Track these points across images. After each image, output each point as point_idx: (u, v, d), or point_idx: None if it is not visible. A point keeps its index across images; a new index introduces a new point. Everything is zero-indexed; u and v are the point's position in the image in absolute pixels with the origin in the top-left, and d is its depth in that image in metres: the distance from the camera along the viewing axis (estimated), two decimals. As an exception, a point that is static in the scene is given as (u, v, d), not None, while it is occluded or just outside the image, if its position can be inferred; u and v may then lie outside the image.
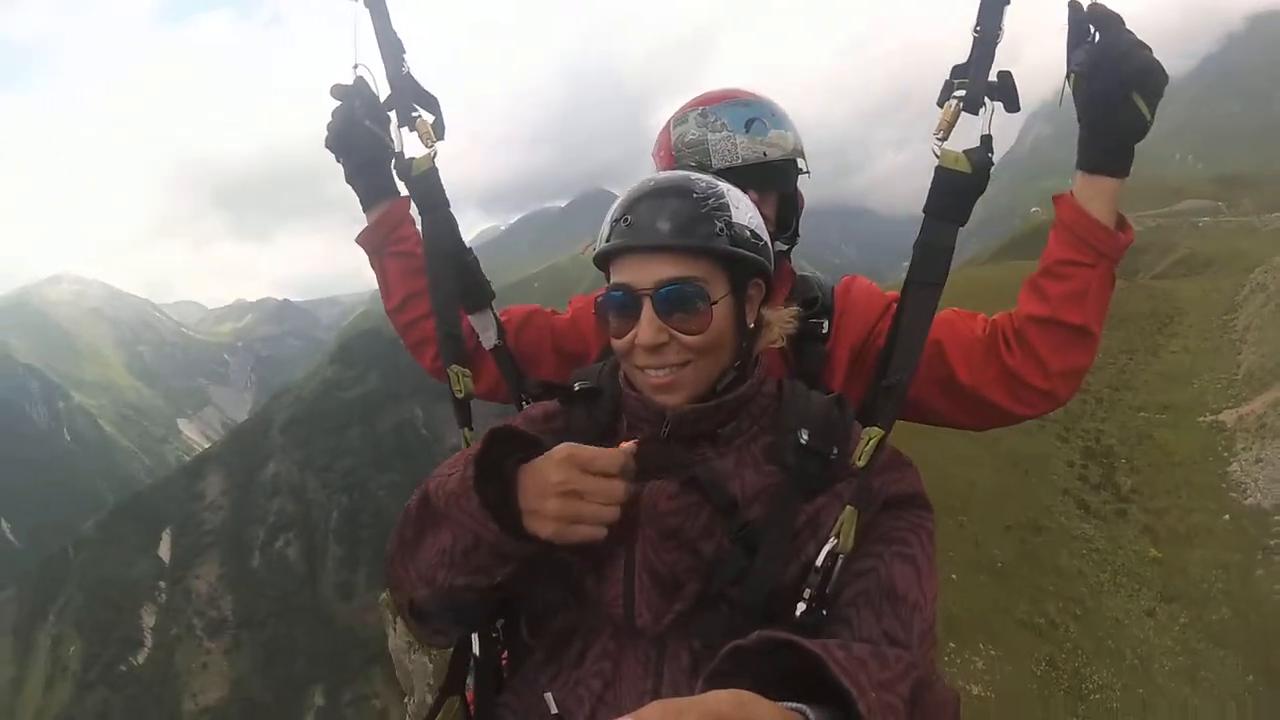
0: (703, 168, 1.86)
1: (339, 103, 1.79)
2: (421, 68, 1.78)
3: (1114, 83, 1.47)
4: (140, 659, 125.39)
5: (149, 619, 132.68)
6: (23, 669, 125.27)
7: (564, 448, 1.24)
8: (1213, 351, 21.46)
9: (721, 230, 1.29)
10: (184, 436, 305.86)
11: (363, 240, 1.97)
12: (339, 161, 1.85)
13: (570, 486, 1.20)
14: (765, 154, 1.88)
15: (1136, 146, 1.58)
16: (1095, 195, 1.58)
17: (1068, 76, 1.54)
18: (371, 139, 1.77)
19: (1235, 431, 18.41)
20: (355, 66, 1.72)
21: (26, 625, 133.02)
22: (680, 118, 1.98)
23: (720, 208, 1.30)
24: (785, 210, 1.97)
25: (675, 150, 1.96)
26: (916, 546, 1.26)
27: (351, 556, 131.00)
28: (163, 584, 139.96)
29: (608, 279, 1.37)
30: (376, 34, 1.71)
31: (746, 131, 1.90)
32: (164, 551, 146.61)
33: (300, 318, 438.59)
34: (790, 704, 0.81)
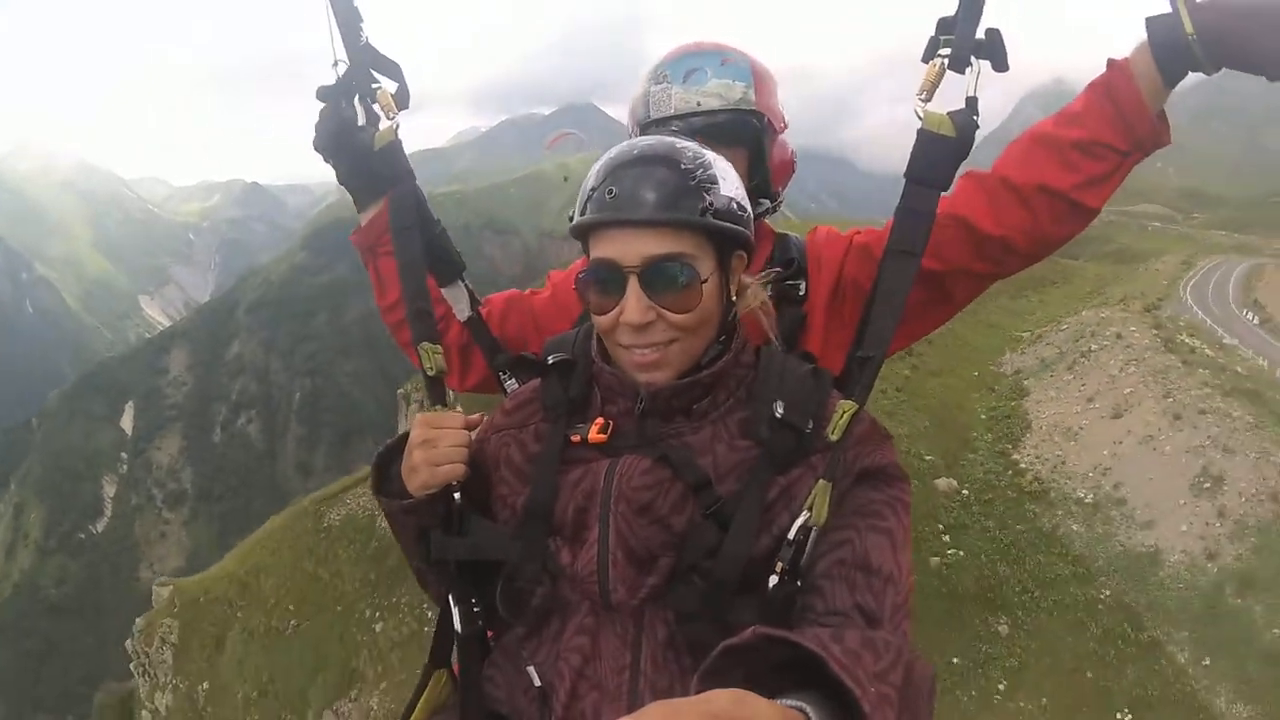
0: (639, 121, 1.87)
1: (324, 104, 1.70)
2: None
3: None
4: (100, 528, 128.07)
5: (109, 489, 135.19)
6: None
7: (416, 416, 1.45)
8: (1062, 305, 26.42)
9: (709, 204, 1.25)
10: (145, 314, 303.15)
11: (357, 239, 1.93)
12: (328, 163, 1.77)
13: (423, 438, 1.40)
14: (699, 104, 1.79)
15: None
16: (1151, 86, 1.45)
17: None
18: (362, 139, 1.70)
19: (1025, 342, 24.08)
20: (335, 64, 1.65)
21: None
22: (647, 73, 1.91)
23: (707, 179, 1.26)
24: (752, 169, 1.85)
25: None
26: (892, 520, 1.25)
27: (312, 436, 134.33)
28: (124, 455, 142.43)
29: (585, 251, 1.33)
30: (331, 5, 1.62)
31: (684, 82, 1.81)
32: (126, 423, 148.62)
33: (268, 202, 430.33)
34: (790, 702, 0.80)
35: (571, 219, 1.34)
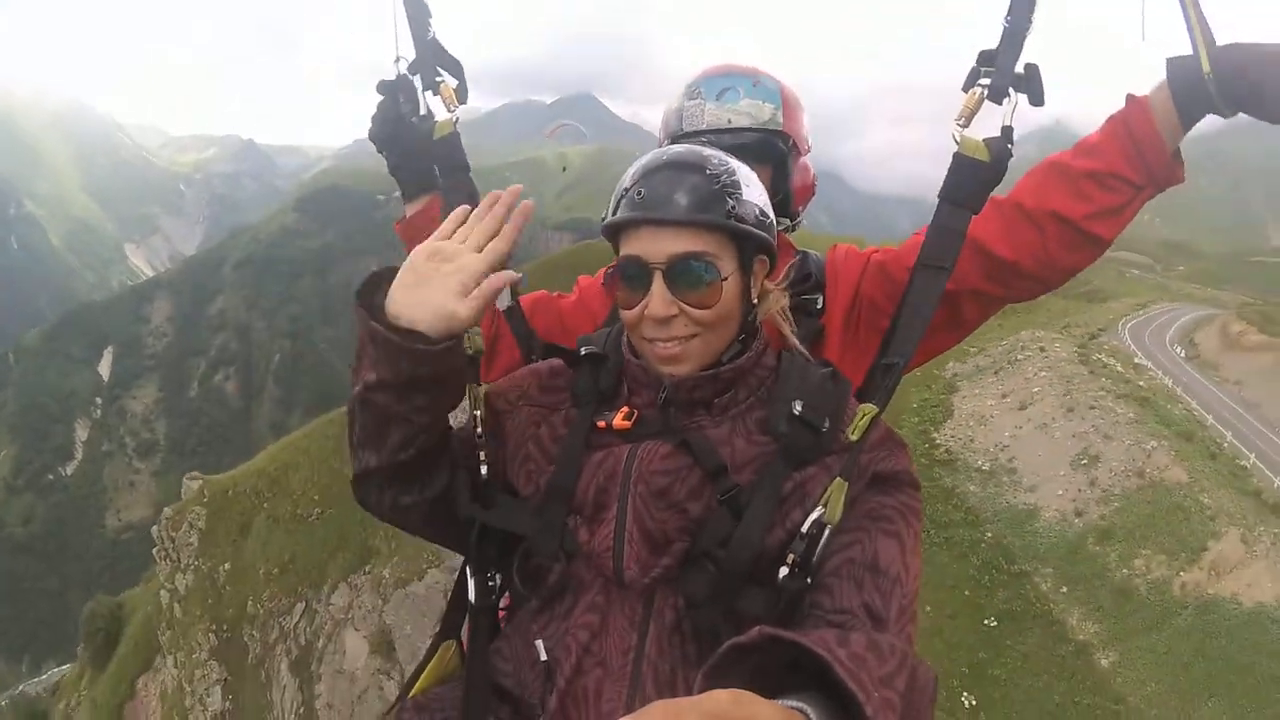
0: (671, 133, 1.94)
1: (383, 97, 1.81)
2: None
3: None
4: (69, 470, 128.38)
5: (82, 432, 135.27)
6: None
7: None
8: (1015, 329, 30.03)
9: (733, 208, 1.30)
10: (130, 262, 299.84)
11: (403, 230, 1.97)
12: (381, 153, 1.86)
13: (434, 249, 1.27)
14: (730, 121, 1.88)
15: None
16: (1168, 124, 1.48)
17: None
18: (415, 134, 1.79)
19: (970, 354, 27.92)
20: (396, 60, 1.74)
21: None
22: (681, 89, 1.99)
23: (732, 185, 1.31)
24: (774, 188, 1.90)
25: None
26: (902, 524, 1.28)
27: (288, 399, 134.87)
28: (99, 400, 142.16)
29: (615, 251, 1.38)
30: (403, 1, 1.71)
31: (717, 100, 1.90)
32: (104, 368, 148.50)
33: (261, 160, 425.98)
34: (791, 702, 0.79)
35: (604, 219, 1.40)
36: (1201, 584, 16.52)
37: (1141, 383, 26.08)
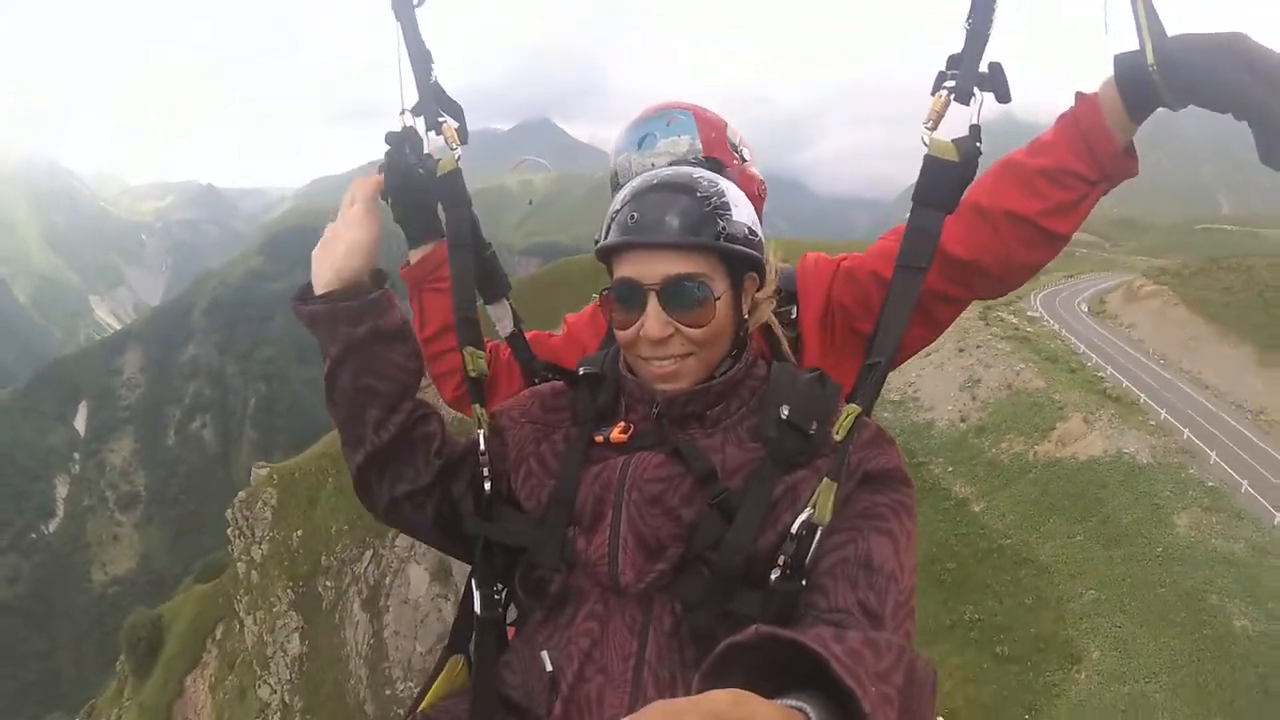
0: (616, 188, 1.99)
1: (390, 147, 1.84)
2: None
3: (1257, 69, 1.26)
4: (51, 528, 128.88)
5: (62, 489, 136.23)
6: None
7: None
8: None
9: (723, 229, 1.34)
10: (95, 315, 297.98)
11: (407, 273, 2.07)
12: (386, 202, 1.86)
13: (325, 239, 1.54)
14: (653, 165, 1.94)
15: None
16: (1117, 118, 1.46)
17: None
18: (420, 184, 1.81)
19: None
20: (402, 113, 1.78)
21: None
22: (615, 145, 2.12)
23: (722, 206, 1.35)
24: None
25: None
26: (894, 522, 1.28)
27: (266, 442, 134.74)
28: (77, 455, 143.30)
29: (609, 273, 1.42)
30: (407, 46, 1.75)
31: (639, 149, 2.02)
32: (80, 423, 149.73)
33: (221, 205, 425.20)
34: (790, 701, 0.79)
35: (597, 242, 1.45)
36: (1050, 452, 23.32)
37: (1029, 329, 32.82)
